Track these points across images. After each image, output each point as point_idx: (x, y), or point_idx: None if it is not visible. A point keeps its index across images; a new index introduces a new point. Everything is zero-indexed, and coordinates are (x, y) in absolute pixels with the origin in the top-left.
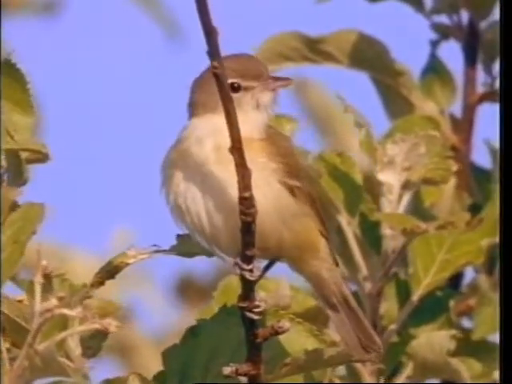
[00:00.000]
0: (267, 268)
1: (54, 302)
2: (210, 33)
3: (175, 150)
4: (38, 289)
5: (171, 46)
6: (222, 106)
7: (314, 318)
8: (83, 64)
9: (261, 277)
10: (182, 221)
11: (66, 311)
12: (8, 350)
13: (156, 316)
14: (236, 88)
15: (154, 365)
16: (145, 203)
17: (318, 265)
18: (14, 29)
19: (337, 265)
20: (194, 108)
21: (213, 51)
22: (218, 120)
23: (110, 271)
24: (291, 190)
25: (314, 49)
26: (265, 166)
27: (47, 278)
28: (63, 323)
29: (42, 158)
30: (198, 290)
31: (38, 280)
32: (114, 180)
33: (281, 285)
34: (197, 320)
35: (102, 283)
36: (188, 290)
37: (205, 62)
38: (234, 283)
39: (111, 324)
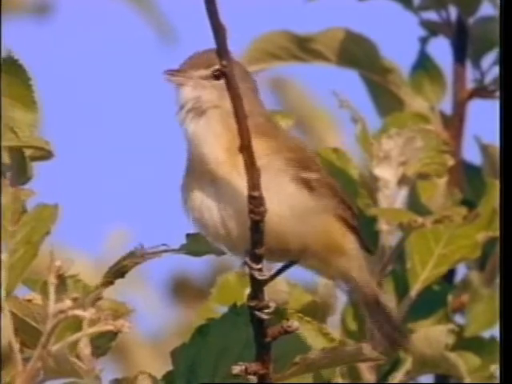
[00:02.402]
0: (282, 270)
1: (67, 303)
2: (218, 31)
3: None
4: (51, 290)
5: (163, 46)
6: (232, 105)
7: (312, 314)
8: (76, 65)
9: (274, 277)
10: (203, 233)
11: (79, 312)
12: (20, 350)
13: (151, 316)
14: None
15: (148, 364)
16: (141, 203)
17: (345, 264)
18: (7, 30)
19: (369, 252)
20: None
21: (221, 50)
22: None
23: (119, 271)
24: (307, 184)
25: (303, 47)
26: (271, 165)
27: (60, 278)
28: (76, 324)
29: (45, 155)
30: (193, 290)
31: (52, 281)
32: (110, 179)
33: (277, 281)
34: (206, 319)
35: (111, 283)
36: (183, 289)
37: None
38: (231, 282)
39: (124, 325)
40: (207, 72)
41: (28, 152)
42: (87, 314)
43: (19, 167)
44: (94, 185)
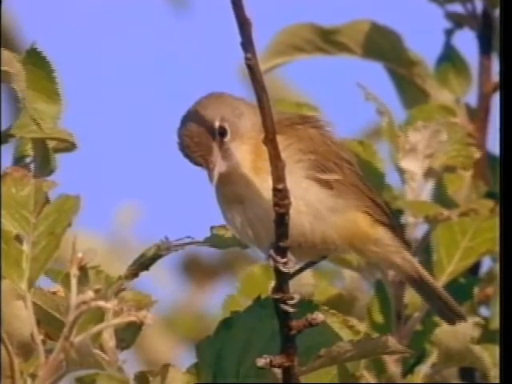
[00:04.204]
0: (310, 264)
1: (90, 294)
2: (243, 24)
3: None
4: (73, 281)
5: (174, 12)
6: (256, 97)
7: (337, 307)
8: (84, 35)
9: (301, 271)
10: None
11: (102, 304)
12: (43, 341)
13: (162, 296)
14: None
15: (161, 344)
16: (150, 180)
17: (382, 251)
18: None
19: (408, 246)
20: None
21: (246, 42)
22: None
23: (143, 263)
24: (326, 185)
25: (327, 40)
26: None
27: (83, 270)
28: (99, 316)
29: (69, 146)
30: (205, 270)
31: (74, 272)
32: (120, 156)
33: (303, 274)
34: (231, 312)
35: (135, 275)
36: (194, 270)
37: (207, 29)
38: (256, 274)
39: (147, 316)
40: (211, 144)
41: (51, 144)
42: (110, 305)
43: (43, 159)
44: (103, 161)
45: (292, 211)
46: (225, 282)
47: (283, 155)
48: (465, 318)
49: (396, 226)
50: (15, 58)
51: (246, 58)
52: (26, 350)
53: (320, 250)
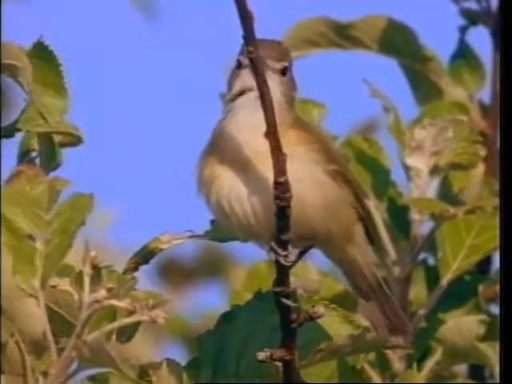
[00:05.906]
0: (302, 254)
1: (103, 293)
2: (245, 17)
3: (214, 146)
4: (86, 280)
5: (145, 23)
6: (258, 91)
7: (342, 303)
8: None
9: (296, 262)
10: (226, 222)
11: (115, 302)
12: (55, 339)
13: None
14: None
15: (138, 346)
16: (132, 182)
17: (352, 250)
18: None
19: (372, 243)
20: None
21: (248, 36)
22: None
23: (144, 256)
24: (333, 175)
25: (342, 34)
26: (306, 158)
27: (95, 268)
28: (111, 314)
29: (74, 141)
30: (182, 272)
31: (87, 271)
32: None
33: (309, 269)
34: (231, 305)
35: (136, 268)
36: (171, 272)
37: (178, 38)
38: (261, 268)
39: (159, 316)
40: (279, 66)
41: (57, 138)
42: (123, 303)
43: (48, 153)
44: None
45: (301, 203)
46: (202, 284)
47: (299, 148)
48: (406, 331)
49: (368, 226)
50: (22, 51)
51: (248, 52)
52: (38, 347)
53: (316, 240)
